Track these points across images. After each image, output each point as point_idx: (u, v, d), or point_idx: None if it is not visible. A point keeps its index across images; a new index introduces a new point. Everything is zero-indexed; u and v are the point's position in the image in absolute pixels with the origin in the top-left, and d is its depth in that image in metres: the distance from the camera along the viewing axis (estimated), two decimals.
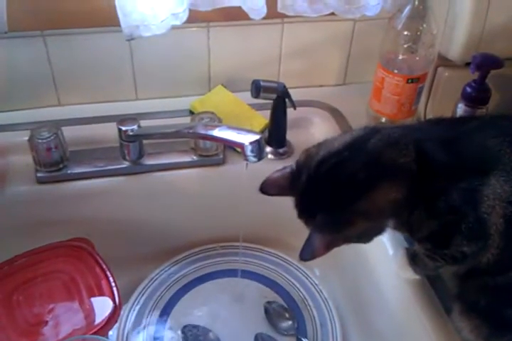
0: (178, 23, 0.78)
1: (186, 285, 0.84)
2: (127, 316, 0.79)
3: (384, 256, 0.71)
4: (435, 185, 0.54)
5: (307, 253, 0.55)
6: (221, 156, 0.83)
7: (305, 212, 0.57)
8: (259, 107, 0.87)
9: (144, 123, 0.79)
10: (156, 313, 0.80)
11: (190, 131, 0.71)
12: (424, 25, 0.80)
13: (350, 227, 0.55)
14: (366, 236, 0.58)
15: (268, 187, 0.61)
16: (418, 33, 0.81)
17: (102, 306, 0.71)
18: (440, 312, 0.63)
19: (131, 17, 0.75)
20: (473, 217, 0.52)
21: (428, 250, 0.60)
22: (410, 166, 0.54)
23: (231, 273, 0.85)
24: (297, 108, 0.83)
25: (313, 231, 0.55)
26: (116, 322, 0.71)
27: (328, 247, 0.55)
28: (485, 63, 0.72)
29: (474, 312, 0.57)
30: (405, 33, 0.80)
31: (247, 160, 0.65)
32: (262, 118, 0.87)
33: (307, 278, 0.85)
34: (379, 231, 0.58)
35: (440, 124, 0.61)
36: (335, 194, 0.54)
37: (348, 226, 0.54)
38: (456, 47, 0.82)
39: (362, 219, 0.54)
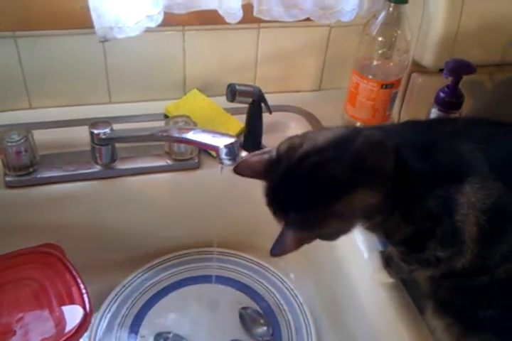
0: (152, 25, 0.77)
1: (160, 292, 0.83)
2: (98, 324, 0.77)
3: (359, 259, 0.71)
4: (412, 192, 0.54)
5: (278, 250, 0.55)
6: (196, 160, 0.82)
7: (277, 204, 0.57)
8: (234, 111, 0.87)
9: (117, 127, 0.77)
10: (129, 321, 0.78)
11: (164, 134, 0.70)
12: (399, 32, 0.81)
13: (323, 227, 0.54)
14: (335, 235, 0.58)
15: (242, 169, 0.59)
16: (393, 39, 0.81)
17: (72, 314, 0.69)
18: (415, 316, 0.63)
19: (105, 18, 0.74)
20: (449, 224, 0.53)
21: (402, 253, 0.60)
22: (389, 172, 0.53)
23: (206, 278, 0.85)
24: (273, 112, 0.83)
25: (286, 227, 0.55)
26: (86, 330, 0.69)
27: (299, 244, 0.55)
28: (458, 68, 0.73)
29: (447, 311, 0.57)
30: (380, 38, 0.81)
31: (222, 163, 0.65)
32: (238, 123, 0.86)
33: (282, 283, 0.85)
34: (348, 231, 0.57)
35: (415, 127, 0.61)
36: (313, 193, 0.54)
37: (321, 226, 0.54)
38: (429, 53, 0.83)
39: (335, 221, 0.54)
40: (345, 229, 0.57)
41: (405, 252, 0.60)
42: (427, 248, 0.55)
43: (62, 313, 0.69)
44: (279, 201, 0.56)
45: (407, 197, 0.54)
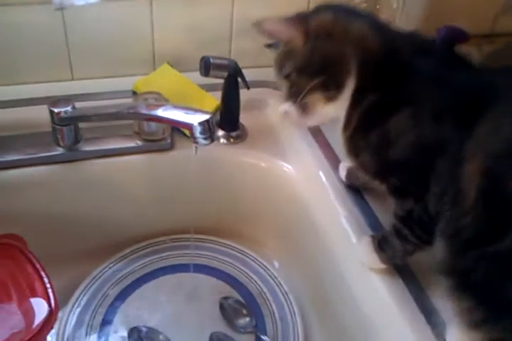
0: None
1: (133, 283, 0.80)
2: (67, 319, 0.74)
3: (347, 244, 0.68)
4: (422, 99, 0.52)
5: None
6: (169, 141, 0.78)
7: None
8: (209, 87, 0.83)
9: (81, 105, 0.74)
10: (100, 315, 0.75)
11: (132, 111, 0.66)
12: None
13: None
14: (328, 71, 0.56)
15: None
16: (377, 7, 0.78)
17: (36, 310, 0.64)
18: (410, 303, 0.59)
19: None
20: (451, 156, 0.50)
21: (396, 203, 0.57)
22: (397, 59, 0.53)
23: (183, 268, 0.82)
24: (251, 88, 0.79)
25: None
26: (52, 328, 0.65)
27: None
28: (451, 35, 0.69)
29: (468, 291, 0.51)
30: (364, 5, 0.77)
31: (196, 143, 0.61)
32: (213, 99, 0.82)
33: (265, 271, 0.83)
34: (338, 79, 0.56)
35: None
36: None
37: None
38: (415, 23, 0.80)
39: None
40: (337, 73, 0.55)
41: (397, 192, 0.57)
42: (421, 183, 0.53)
43: (24, 309, 0.65)
44: None
45: (409, 96, 0.53)
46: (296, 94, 0.58)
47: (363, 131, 0.56)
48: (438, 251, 0.53)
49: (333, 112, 0.58)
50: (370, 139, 0.56)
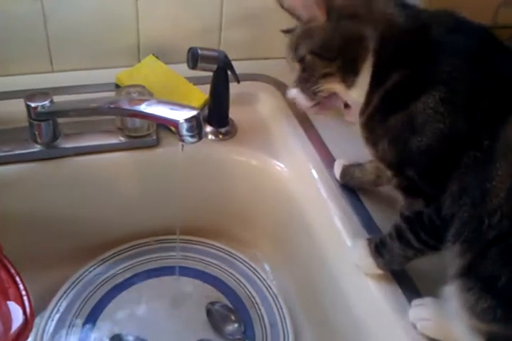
0: None
1: (115, 288, 0.78)
2: (45, 326, 0.71)
3: (341, 246, 0.66)
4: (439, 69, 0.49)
5: None
6: (154, 137, 0.76)
7: None
8: (197, 81, 0.81)
9: (60, 99, 0.71)
10: (80, 322, 0.73)
11: (113, 106, 0.62)
12: None
13: None
14: (346, 53, 0.52)
15: None
16: None
17: (10, 319, 0.61)
18: (406, 309, 0.57)
19: None
20: (481, 152, 0.46)
21: (402, 188, 0.54)
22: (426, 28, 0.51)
23: (168, 270, 0.80)
24: (241, 82, 0.77)
25: None
26: (27, 337, 0.61)
27: None
28: None
29: (490, 291, 0.48)
30: None
31: (182, 141, 0.58)
32: (201, 93, 0.80)
33: (254, 273, 0.81)
34: (355, 62, 0.52)
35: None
36: None
37: None
38: None
39: None
40: (358, 44, 0.52)
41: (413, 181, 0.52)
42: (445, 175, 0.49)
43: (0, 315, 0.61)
44: None
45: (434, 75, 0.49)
46: (307, 80, 0.54)
47: (383, 114, 0.52)
48: (452, 256, 0.50)
49: (356, 97, 0.53)
50: (391, 124, 0.51)
